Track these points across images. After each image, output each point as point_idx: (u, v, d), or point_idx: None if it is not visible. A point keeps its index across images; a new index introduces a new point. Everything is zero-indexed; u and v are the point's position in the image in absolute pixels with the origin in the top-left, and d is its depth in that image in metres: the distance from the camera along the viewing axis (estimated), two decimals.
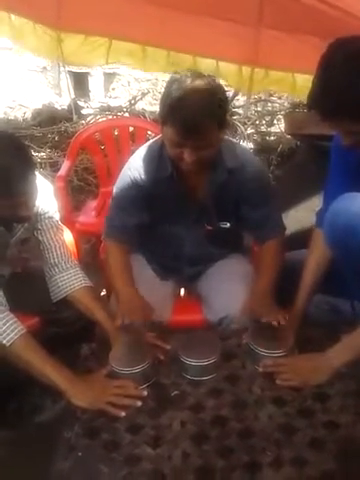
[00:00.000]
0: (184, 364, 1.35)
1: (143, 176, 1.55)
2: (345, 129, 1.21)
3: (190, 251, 1.66)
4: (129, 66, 3.32)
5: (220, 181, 1.54)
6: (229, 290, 1.60)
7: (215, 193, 1.56)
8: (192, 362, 1.35)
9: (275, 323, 1.36)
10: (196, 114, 1.30)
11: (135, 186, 1.55)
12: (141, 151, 1.59)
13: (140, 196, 1.56)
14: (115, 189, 1.61)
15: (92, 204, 2.69)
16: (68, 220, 2.11)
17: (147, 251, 1.72)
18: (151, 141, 1.61)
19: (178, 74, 1.38)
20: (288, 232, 1.70)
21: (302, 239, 1.71)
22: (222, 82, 3.62)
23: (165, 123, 1.37)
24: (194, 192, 1.57)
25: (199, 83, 1.33)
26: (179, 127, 1.32)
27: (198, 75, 1.36)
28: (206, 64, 3.11)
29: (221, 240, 1.67)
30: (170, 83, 1.37)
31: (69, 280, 1.54)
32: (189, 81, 1.33)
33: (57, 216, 1.61)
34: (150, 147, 1.58)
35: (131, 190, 1.56)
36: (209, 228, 1.63)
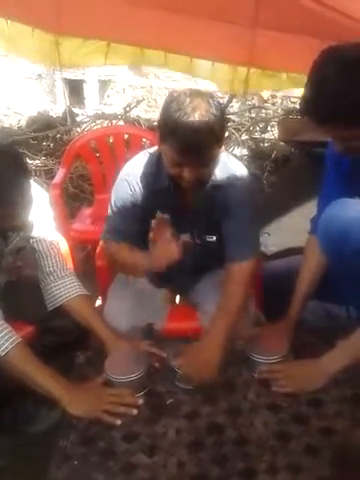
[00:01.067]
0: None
1: (140, 187, 1.54)
2: (338, 135, 1.22)
3: (182, 261, 1.66)
4: (126, 64, 3.34)
5: (207, 193, 1.52)
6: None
7: (204, 206, 1.55)
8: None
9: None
10: (196, 135, 1.29)
11: (132, 197, 1.55)
12: (138, 160, 1.58)
13: (138, 206, 1.56)
14: (113, 197, 1.60)
15: (87, 211, 2.69)
16: (63, 228, 2.11)
17: None
18: (148, 151, 1.60)
19: (176, 92, 1.37)
20: (282, 238, 1.71)
21: (296, 245, 1.73)
22: (217, 89, 3.67)
23: (164, 142, 1.37)
24: (188, 205, 1.57)
25: (198, 102, 1.32)
26: (179, 148, 1.32)
27: (196, 93, 1.35)
28: (202, 65, 3.14)
29: (211, 253, 1.65)
30: (168, 102, 1.36)
31: (64, 288, 1.54)
32: (188, 101, 1.32)
33: (53, 224, 1.61)
34: (147, 158, 1.57)
35: (129, 201, 1.55)
36: (197, 241, 1.60)
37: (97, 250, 1.86)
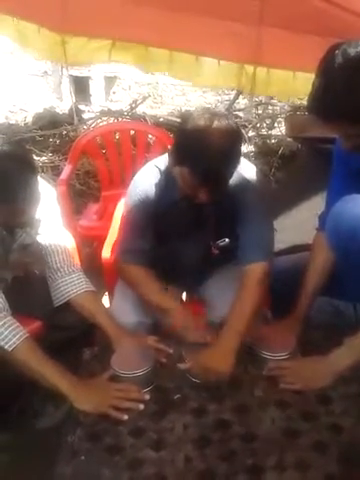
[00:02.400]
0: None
1: (153, 197, 1.52)
2: (345, 133, 1.21)
3: (192, 267, 1.65)
4: (131, 64, 3.33)
5: (218, 201, 1.49)
6: (232, 290, 1.59)
7: (216, 211, 1.53)
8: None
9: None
10: (215, 163, 1.28)
11: (145, 208, 1.53)
12: (147, 176, 1.56)
13: (150, 218, 1.54)
14: (126, 212, 1.58)
15: (93, 208, 2.69)
16: (70, 224, 2.11)
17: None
18: (155, 164, 1.57)
19: (191, 113, 1.35)
20: (290, 235, 1.69)
21: (304, 242, 1.72)
22: (224, 84, 3.64)
23: (182, 164, 1.34)
24: (200, 214, 1.55)
25: (216, 127, 1.29)
26: (199, 174, 1.30)
27: (213, 116, 1.32)
28: (205, 70, 3.13)
29: (222, 260, 1.65)
30: (186, 124, 1.33)
31: (71, 284, 1.54)
32: (206, 125, 1.29)
33: (60, 221, 1.61)
34: (158, 167, 1.55)
35: (142, 213, 1.54)
36: (215, 251, 1.59)
37: (103, 247, 1.86)
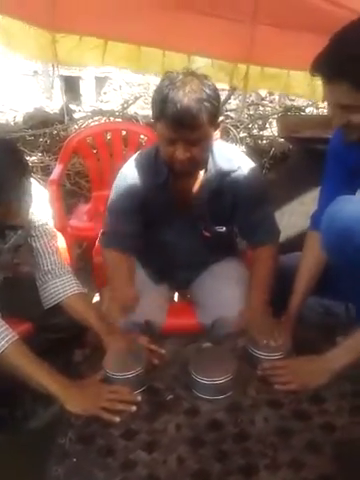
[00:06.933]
0: (195, 381, 1.29)
1: (139, 183, 1.54)
2: (341, 102, 1.19)
3: (185, 257, 1.65)
4: (123, 68, 3.32)
5: (214, 184, 1.54)
6: (223, 293, 1.59)
7: (210, 197, 1.55)
8: (203, 380, 1.27)
9: (273, 343, 1.37)
10: (186, 105, 1.32)
11: (132, 194, 1.55)
12: (135, 159, 1.59)
13: (137, 203, 1.55)
14: (111, 199, 1.60)
15: (84, 208, 2.68)
16: (60, 224, 2.09)
17: (141, 256, 1.71)
18: (145, 149, 1.61)
19: (170, 72, 1.40)
20: (281, 235, 1.70)
21: (296, 242, 1.72)
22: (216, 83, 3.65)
23: (157, 120, 1.39)
24: (189, 198, 1.57)
25: (190, 79, 1.36)
26: (170, 120, 1.34)
27: (190, 72, 1.39)
28: (201, 63, 3.13)
29: (216, 245, 1.66)
30: (162, 81, 1.39)
31: (62, 286, 1.53)
32: (180, 78, 1.36)
33: (51, 223, 1.60)
34: (144, 154, 1.59)
35: (128, 198, 1.55)
36: (206, 234, 1.62)
37: (95, 247, 1.85)
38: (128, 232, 1.57)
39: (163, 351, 1.43)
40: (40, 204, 1.52)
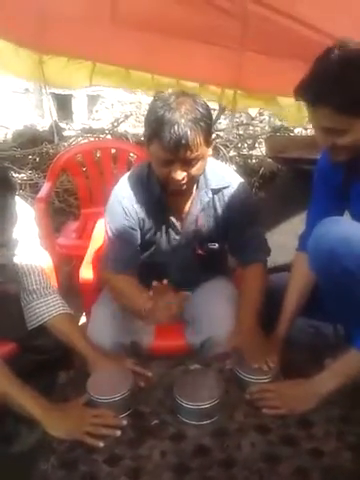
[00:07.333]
0: (180, 406, 1.26)
1: (133, 203, 1.54)
2: (325, 125, 1.20)
3: (177, 274, 1.64)
4: (112, 87, 3.34)
5: (206, 201, 1.54)
6: (212, 313, 1.58)
7: (202, 214, 1.56)
8: (189, 404, 1.24)
9: (265, 368, 1.35)
10: (183, 127, 1.31)
11: (128, 215, 1.54)
12: (127, 178, 1.58)
13: (134, 223, 1.55)
14: (109, 223, 1.58)
15: (72, 226, 2.66)
16: (48, 242, 2.07)
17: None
18: (136, 168, 1.60)
19: (161, 93, 1.40)
20: (271, 255, 1.69)
21: (284, 262, 1.71)
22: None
23: (152, 141, 1.37)
24: (182, 215, 1.57)
25: (183, 99, 1.35)
26: (166, 142, 1.32)
27: (181, 93, 1.39)
28: (189, 87, 3.14)
29: (209, 263, 1.65)
30: (154, 102, 1.39)
31: (47, 307, 1.50)
32: (173, 98, 1.35)
33: (37, 242, 1.58)
34: (136, 173, 1.58)
35: (125, 220, 1.54)
36: (199, 252, 1.61)
37: (81, 265, 1.83)
38: (131, 254, 1.57)
39: (150, 373, 1.40)
40: (25, 222, 1.51)
